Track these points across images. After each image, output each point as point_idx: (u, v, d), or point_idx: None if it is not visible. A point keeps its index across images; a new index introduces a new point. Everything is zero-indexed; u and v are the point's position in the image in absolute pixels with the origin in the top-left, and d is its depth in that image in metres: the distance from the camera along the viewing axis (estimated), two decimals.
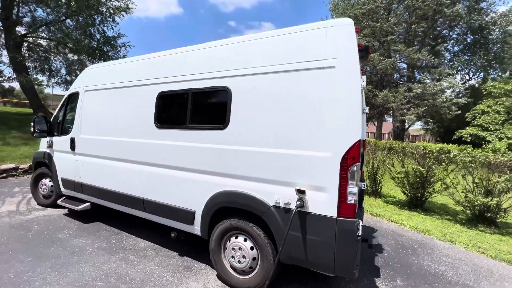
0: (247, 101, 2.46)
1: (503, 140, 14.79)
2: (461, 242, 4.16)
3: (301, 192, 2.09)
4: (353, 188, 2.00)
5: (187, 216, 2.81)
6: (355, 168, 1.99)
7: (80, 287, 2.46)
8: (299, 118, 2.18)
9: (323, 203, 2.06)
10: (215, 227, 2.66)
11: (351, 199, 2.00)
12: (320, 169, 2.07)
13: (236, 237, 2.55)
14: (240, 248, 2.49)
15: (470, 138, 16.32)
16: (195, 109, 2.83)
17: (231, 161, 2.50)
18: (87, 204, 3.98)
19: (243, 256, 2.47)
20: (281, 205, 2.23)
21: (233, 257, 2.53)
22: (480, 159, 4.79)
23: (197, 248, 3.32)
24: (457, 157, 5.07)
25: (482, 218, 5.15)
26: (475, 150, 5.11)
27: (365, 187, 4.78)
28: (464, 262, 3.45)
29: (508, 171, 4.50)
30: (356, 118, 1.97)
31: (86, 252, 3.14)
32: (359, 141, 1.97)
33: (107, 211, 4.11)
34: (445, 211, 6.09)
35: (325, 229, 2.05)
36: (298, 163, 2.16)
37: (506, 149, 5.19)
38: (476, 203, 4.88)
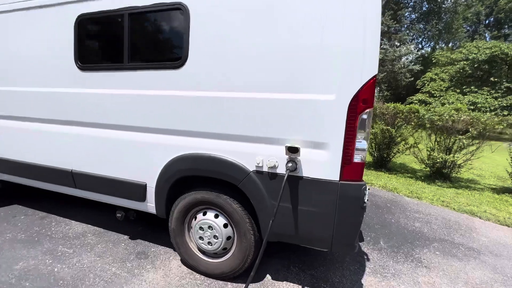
0: (213, 24, 1.68)
1: (445, 105, 16.40)
2: (427, 197, 4.29)
3: (293, 150, 1.53)
4: (362, 143, 1.51)
5: (136, 190, 2.10)
6: (366, 115, 1.47)
7: None
8: (290, 46, 1.52)
9: (322, 164, 1.55)
10: (175, 202, 2.02)
11: (358, 157, 1.52)
12: (319, 118, 1.51)
13: (204, 213, 1.96)
14: (210, 227, 1.92)
15: (419, 103, 17.77)
16: (135, 39, 1.94)
17: (192, 113, 1.79)
18: None
19: (215, 236, 1.92)
20: (265, 169, 1.67)
21: (201, 238, 1.97)
22: (446, 118, 4.86)
23: (155, 227, 2.68)
24: (426, 116, 5.10)
25: (439, 174, 5.47)
26: (441, 109, 5.19)
27: None
28: (434, 217, 3.50)
29: (471, 128, 4.66)
30: (373, 43, 1.40)
31: None
32: (375, 76, 1.43)
33: (32, 190, 3.10)
34: (405, 170, 6.39)
35: (324, 197, 1.58)
36: (288, 111, 1.56)
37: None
38: (438, 160, 5.07)
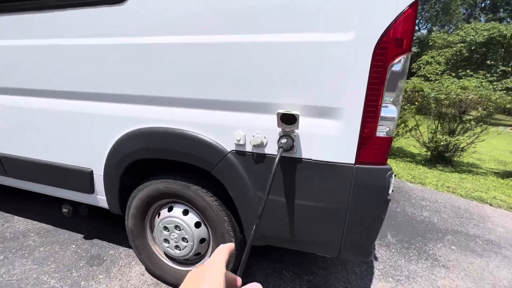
0: None
1: (452, 85, 16.12)
2: (431, 183, 3.94)
3: (288, 120, 1.03)
4: (390, 108, 1.02)
5: (79, 179, 1.58)
6: (399, 66, 0.97)
7: None
8: None
9: (330, 139, 1.06)
10: (132, 194, 1.52)
11: (383, 130, 1.04)
12: (328, 69, 1.00)
13: (170, 209, 1.48)
14: (177, 227, 1.44)
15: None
16: None
17: (144, 70, 1.25)
18: None
19: (183, 239, 1.45)
20: (248, 148, 1.17)
21: (166, 240, 1.50)
22: (453, 96, 4.45)
23: (120, 223, 2.19)
24: (431, 95, 4.67)
25: (441, 158, 5.14)
26: (449, 87, 4.76)
27: None
28: (442, 205, 3.14)
29: (480, 108, 4.26)
30: None
31: None
32: (416, 2, 0.91)
33: None
34: (403, 154, 6.05)
35: (332, 186, 1.11)
36: (281, 60, 1.04)
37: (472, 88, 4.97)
38: (441, 143, 4.71)
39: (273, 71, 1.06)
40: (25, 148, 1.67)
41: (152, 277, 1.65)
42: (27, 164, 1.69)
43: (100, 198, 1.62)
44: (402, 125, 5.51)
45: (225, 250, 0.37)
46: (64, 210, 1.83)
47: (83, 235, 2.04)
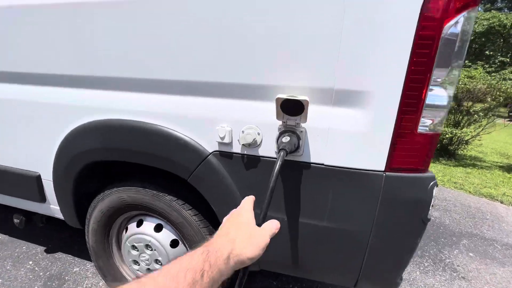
0: None
1: None
2: (436, 178, 3.70)
3: (292, 108, 0.71)
4: (439, 92, 0.71)
5: (25, 185, 1.25)
6: (461, 27, 0.65)
7: None
8: None
9: (351, 137, 0.75)
10: (91, 204, 1.20)
11: (428, 123, 0.73)
12: (353, 34, 0.67)
13: (140, 223, 1.17)
14: (148, 246, 1.13)
15: None
16: None
17: (91, 40, 0.90)
18: None
19: (157, 261, 1.14)
20: (236, 149, 0.85)
21: (135, 262, 1.19)
22: (461, 86, 4.17)
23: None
24: None
25: (444, 151, 4.92)
26: None
27: None
28: (452, 203, 2.91)
29: (489, 98, 4.01)
30: None
31: None
32: None
33: None
34: None
35: (351, 202, 0.80)
36: (282, 18, 0.71)
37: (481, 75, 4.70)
38: (447, 135, 4.47)
39: (270, 33, 0.73)
40: None
41: None
42: None
43: (53, 207, 1.30)
44: None
45: (249, 200, 0.58)
46: (15, 220, 1.51)
47: (44, 248, 1.72)
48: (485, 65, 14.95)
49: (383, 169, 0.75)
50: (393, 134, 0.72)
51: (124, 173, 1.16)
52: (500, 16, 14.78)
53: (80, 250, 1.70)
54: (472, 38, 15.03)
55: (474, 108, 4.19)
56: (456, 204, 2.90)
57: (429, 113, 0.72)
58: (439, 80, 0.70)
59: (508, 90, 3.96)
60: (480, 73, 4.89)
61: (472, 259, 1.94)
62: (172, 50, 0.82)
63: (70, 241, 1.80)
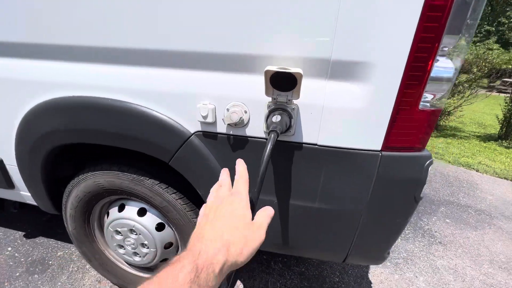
0: None
1: None
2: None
3: (283, 83, 0.62)
4: (447, 63, 0.64)
5: None
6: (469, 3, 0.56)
7: None
8: None
9: (348, 113, 0.68)
10: (66, 190, 1.10)
11: (430, 99, 0.67)
12: (349, 2, 0.57)
13: (121, 208, 1.10)
14: (132, 230, 1.08)
15: None
16: None
17: (57, 3, 0.74)
18: None
19: (143, 244, 1.10)
20: (220, 129, 0.77)
21: (120, 246, 1.15)
22: None
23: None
24: None
25: None
26: None
27: None
28: (432, 173, 3.04)
29: (475, 69, 4.02)
30: None
31: None
32: None
33: None
34: None
35: (346, 182, 0.76)
36: None
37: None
38: None
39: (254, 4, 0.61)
40: None
41: (111, 283, 1.34)
42: None
43: (24, 194, 1.20)
44: None
45: (244, 182, 0.52)
46: None
47: (23, 233, 1.64)
48: None
49: (379, 148, 0.70)
50: (393, 110, 0.66)
51: (100, 155, 1.06)
52: None
53: (62, 234, 1.64)
54: None
55: (460, 79, 4.22)
56: (436, 173, 3.04)
57: (433, 87, 0.65)
58: (446, 49, 0.63)
59: (494, 60, 3.98)
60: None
61: (448, 225, 2.07)
62: (146, 13, 0.68)
63: (50, 225, 1.73)
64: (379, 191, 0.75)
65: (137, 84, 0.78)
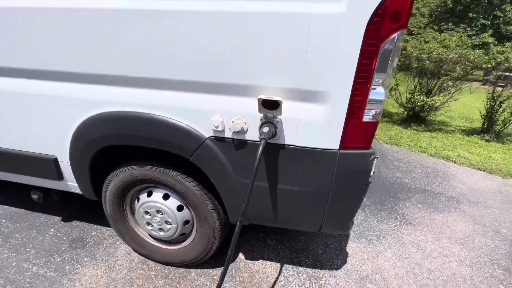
0: None
1: (433, 41, 16.00)
2: (404, 143, 4.16)
3: (270, 106, 0.94)
4: (378, 90, 0.95)
5: (44, 166, 1.44)
6: (392, 44, 0.87)
7: None
8: None
9: (315, 125, 1.00)
10: (106, 180, 1.43)
11: (370, 114, 0.99)
12: (316, 48, 0.88)
13: (149, 194, 1.42)
14: (158, 211, 1.41)
15: None
16: None
17: (105, 45, 1.04)
18: None
19: (166, 222, 1.43)
20: (228, 135, 1.09)
21: (149, 224, 1.48)
22: (434, 57, 4.42)
23: (96, 203, 2.12)
24: (413, 55, 4.61)
25: (416, 117, 5.36)
26: (430, 45, 4.70)
27: None
28: (413, 165, 3.37)
29: (458, 68, 4.31)
30: None
31: None
32: None
33: None
34: (382, 114, 6.22)
35: (315, 172, 1.09)
36: (263, 36, 0.90)
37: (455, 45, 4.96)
38: (418, 103, 4.84)
39: (253, 46, 0.92)
40: None
41: (139, 255, 1.67)
42: None
43: (71, 184, 1.52)
44: None
45: None
46: (33, 196, 1.72)
47: (60, 218, 1.97)
48: (467, 28, 15.09)
49: (337, 148, 1.02)
50: (344, 122, 0.98)
51: (135, 154, 1.37)
52: None
53: (92, 218, 1.97)
54: None
55: (445, 77, 4.51)
56: (417, 165, 3.37)
57: (371, 106, 0.97)
58: (379, 81, 0.94)
59: (476, 60, 4.27)
60: (456, 40, 5.10)
61: (420, 209, 2.41)
62: (176, 57, 0.99)
63: (81, 211, 2.05)
64: (339, 178, 1.08)
65: (167, 102, 1.09)
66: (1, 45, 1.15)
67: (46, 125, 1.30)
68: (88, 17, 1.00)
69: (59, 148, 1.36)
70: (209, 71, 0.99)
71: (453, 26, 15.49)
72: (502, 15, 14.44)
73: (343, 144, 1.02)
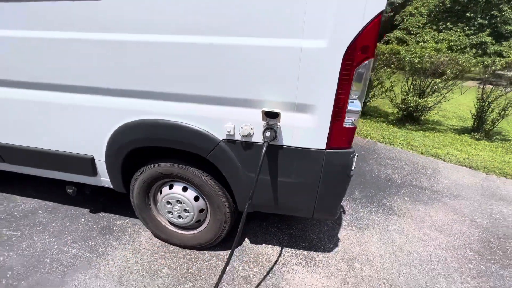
0: None
1: (419, 43, 16.17)
2: (397, 142, 4.42)
3: (271, 116, 1.22)
4: (355, 103, 1.23)
5: (82, 164, 1.72)
6: (364, 69, 1.15)
7: None
8: None
9: (306, 130, 1.28)
10: (134, 176, 1.71)
11: (349, 121, 1.26)
12: (304, 73, 1.16)
13: (171, 187, 1.71)
14: (178, 201, 1.69)
15: (395, 42, 17.30)
16: None
17: (136, 65, 1.32)
18: None
19: (185, 210, 1.72)
20: (237, 138, 1.37)
21: (170, 212, 1.76)
22: (426, 60, 4.67)
23: (119, 196, 2.41)
24: (406, 58, 4.86)
25: (410, 117, 5.61)
26: (421, 50, 4.95)
27: None
28: (404, 162, 3.64)
29: (448, 71, 4.56)
30: None
31: None
32: (381, 14, 1.05)
33: None
34: (378, 113, 6.48)
35: (307, 167, 1.37)
36: (263, 63, 1.18)
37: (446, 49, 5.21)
38: (411, 104, 5.10)
39: (259, 71, 1.20)
40: (17, 136, 1.74)
41: (159, 240, 1.96)
42: (22, 152, 1.78)
43: (103, 179, 1.80)
44: (379, 86, 5.82)
45: None
46: (68, 190, 2.01)
47: (88, 210, 2.26)
48: (465, 28, 15.27)
49: (324, 148, 1.30)
50: (329, 128, 1.25)
51: (159, 154, 1.65)
52: None
53: (116, 209, 2.26)
54: None
55: (436, 80, 4.77)
56: (407, 163, 3.64)
57: (350, 115, 1.24)
58: (355, 96, 1.22)
59: (464, 64, 4.52)
60: (454, 39, 5.31)
61: (406, 202, 2.69)
62: (197, 77, 1.27)
63: (106, 204, 2.34)
64: (326, 171, 1.35)
65: (191, 112, 1.37)
66: (49, 66, 1.44)
67: (87, 130, 1.59)
68: (141, 51, 1.28)
69: (95, 149, 1.65)
70: (224, 89, 1.27)
71: (451, 26, 15.65)
72: (499, 14, 14.60)
73: (329, 144, 1.30)
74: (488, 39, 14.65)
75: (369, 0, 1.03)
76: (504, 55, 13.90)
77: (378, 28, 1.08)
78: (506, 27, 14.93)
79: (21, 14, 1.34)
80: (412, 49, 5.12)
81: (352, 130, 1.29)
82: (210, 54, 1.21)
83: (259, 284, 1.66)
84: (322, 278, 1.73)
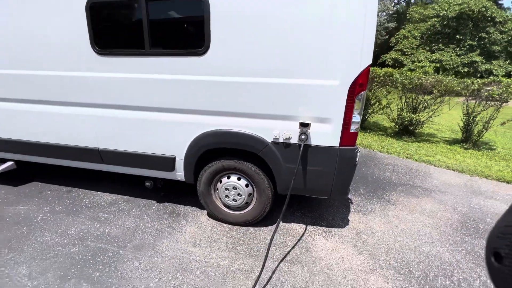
0: (232, 13, 1.89)
1: (414, 63, 17.31)
2: (395, 151, 5.12)
3: (305, 125, 1.97)
4: (356, 117, 1.97)
5: (165, 163, 2.45)
6: (361, 97, 1.91)
7: (51, 259, 2.07)
8: (305, 40, 1.83)
9: (326, 134, 2.01)
10: (203, 169, 2.43)
11: (353, 128, 1.99)
12: (326, 99, 1.92)
13: (229, 177, 2.42)
14: (234, 187, 2.39)
15: (391, 62, 18.50)
16: (156, 26, 2.07)
17: (217, 96, 2.09)
18: (10, 163, 3.04)
19: (239, 194, 2.41)
20: (281, 140, 2.10)
21: (227, 196, 2.45)
22: (415, 81, 5.49)
23: (174, 192, 3.11)
24: (399, 80, 5.69)
25: (406, 131, 6.34)
26: (412, 73, 5.79)
27: None
28: (400, 167, 4.32)
29: (435, 90, 5.35)
30: (370, 39, 1.75)
31: (36, 219, 2.57)
32: (369, 65, 1.82)
33: (41, 168, 3.29)
34: (378, 128, 7.22)
35: (327, 159, 2.08)
36: (303, 94, 1.94)
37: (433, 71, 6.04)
38: (406, 119, 5.85)
39: (297, 99, 1.96)
40: (120, 143, 2.49)
41: (214, 220, 2.63)
42: (121, 155, 2.52)
43: (178, 174, 2.52)
44: (377, 103, 6.61)
45: None
46: (147, 184, 2.72)
47: (155, 201, 2.95)
48: (456, 48, 16.41)
49: (338, 145, 2.03)
50: (341, 133, 1.99)
51: (223, 153, 2.38)
52: (469, 1, 16.06)
53: (177, 201, 2.94)
54: (445, 23, 16.15)
55: (425, 97, 5.55)
56: (403, 167, 4.31)
57: (354, 124, 1.98)
58: (356, 113, 1.96)
59: (448, 84, 5.32)
60: (447, 59, 6.09)
61: (401, 196, 3.34)
62: (255, 102, 2.03)
63: (167, 197, 3.03)
64: (340, 162, 2.07)
65: (248, 124, 2.11)
66: (153, 96, 2.22)
67: (171, 137, 2.33)
68: (209, 85, 2.06)
69: (178, 151, 2.38)
70: (277, 109, 2.02)
71: (443, 47, 16.80)
72: (487, 36, 15.75)
73: (341, 144, 2.02)
74: (479, 58, 15.71)
75: (363, 58, 1.81)
76: (494, 72, 14.86)
77: (369, 73, 1.85)
78: (495, 47, 16.03)
79: (148, 64, 2.14)
80: (403, 71, 5.97)
81: (355, 134, 2.02)
82: (272, 89, 1.98)
83: (294, 246, 2.31)
84: (338, 244, 2.38)
